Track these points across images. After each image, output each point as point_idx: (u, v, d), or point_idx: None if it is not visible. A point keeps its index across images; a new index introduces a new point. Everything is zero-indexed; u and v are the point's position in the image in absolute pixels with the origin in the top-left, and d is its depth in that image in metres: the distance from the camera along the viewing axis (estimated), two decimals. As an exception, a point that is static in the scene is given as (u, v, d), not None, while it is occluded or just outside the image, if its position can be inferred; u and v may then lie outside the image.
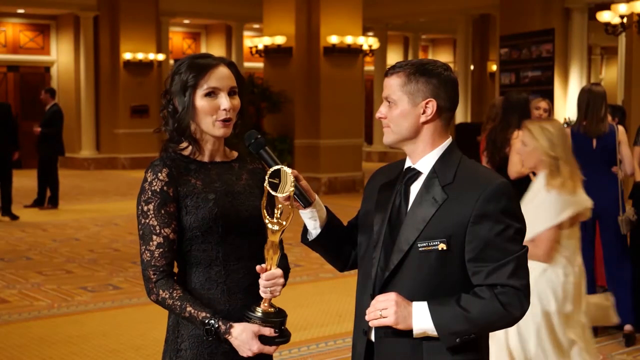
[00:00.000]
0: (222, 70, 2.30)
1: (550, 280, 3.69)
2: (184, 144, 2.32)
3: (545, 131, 3.78)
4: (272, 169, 2.16)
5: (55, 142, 11.94)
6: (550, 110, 6.56)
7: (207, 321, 2.20)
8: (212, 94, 2.27)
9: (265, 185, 2.16)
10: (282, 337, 2.25)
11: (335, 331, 5.75)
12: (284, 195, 2.15)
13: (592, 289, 5.65)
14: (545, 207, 3.70)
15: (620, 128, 5.52)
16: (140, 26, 18.56)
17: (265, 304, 2.23)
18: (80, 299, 6.69)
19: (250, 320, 2.21)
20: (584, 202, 3.82)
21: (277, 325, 2.24)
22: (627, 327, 5.45)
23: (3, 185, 10.98)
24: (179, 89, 2.28)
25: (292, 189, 2.15)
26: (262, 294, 2.23)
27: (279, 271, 2.22)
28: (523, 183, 5.76)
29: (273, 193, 2.16)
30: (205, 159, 2.34)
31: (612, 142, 5.43)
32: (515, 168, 5.70)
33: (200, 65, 2.28)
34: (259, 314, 2.22)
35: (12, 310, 6.32)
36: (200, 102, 2.27)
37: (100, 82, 18.65)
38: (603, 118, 5.43)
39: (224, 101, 2.28)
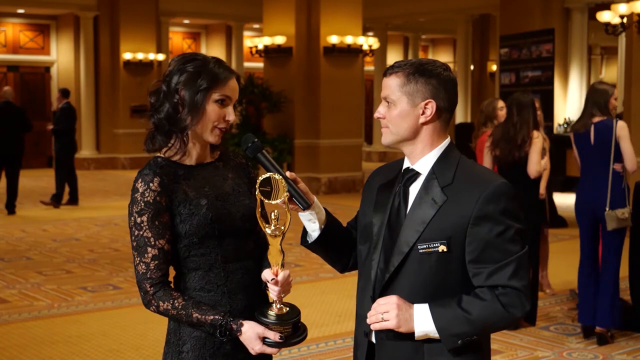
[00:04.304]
0: (235, 83, 2.32)
1: None
2: (170, 143, 2.31)
3: None
4: (261, 178, 2.13)
5: (68, 139, 12.16)
6: (540, 108, 6.52)
7: (218, 323, 2.20)
8: (223, 101, 2.29)
9: (257, 194, 2.14)
10: (298, 336, 2.23)
11: (335, 331, 5.74)
12: (277, 202, 2.14)
13: (594, 285, 5.61)
14: None
15: (620, 123, 5.36)
16: (140, 26, 18.56)
17: (278, 306, 2.21)
18: (80, 299, 6.69)
19: (267, 326, 2.19)
20: None
21: (294, 325, 2.22)
22: (598, 329, 5.40)
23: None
24: (191, 85, 2.26)
25: (286, 194, 2.13)
26: (275, 298, 2.21)
27: (287, 272, 2.22)
28: (535, 183, 5.81)
29: (266, 201, 2.14)
30: (193, 162, 2.34)
31: (609, 137, 5.35)
32: (536, 167, 5.68)
33: (218, 74, 2.27)
34: (273, 318, 2.19)
35: (12, 310, 6.32)
36: (211, 106, 2.27)
37: (100, 82, 18.65)
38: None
39: (230, 112, 2.30)
